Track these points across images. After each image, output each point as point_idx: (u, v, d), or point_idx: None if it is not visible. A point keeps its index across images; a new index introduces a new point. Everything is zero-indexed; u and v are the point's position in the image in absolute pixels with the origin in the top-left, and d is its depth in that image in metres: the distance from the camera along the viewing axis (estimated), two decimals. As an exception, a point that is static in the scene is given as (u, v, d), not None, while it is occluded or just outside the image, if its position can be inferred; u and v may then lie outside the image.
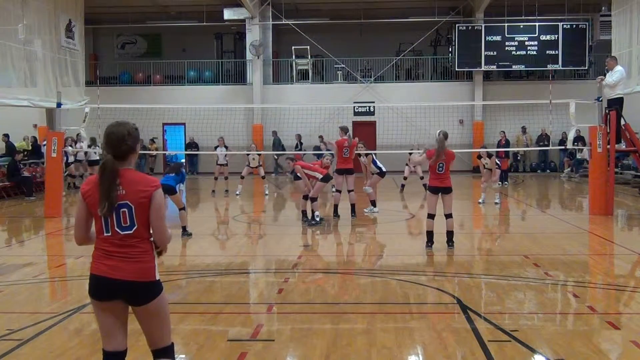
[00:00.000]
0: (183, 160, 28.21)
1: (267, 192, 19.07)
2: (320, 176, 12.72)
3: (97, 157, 23.08)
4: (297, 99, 27.39)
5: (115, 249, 3.75)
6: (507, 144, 25.43)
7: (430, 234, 9.86)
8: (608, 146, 13.99)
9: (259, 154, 19.46)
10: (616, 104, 14.37)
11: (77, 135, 21.05)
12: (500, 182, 17.82)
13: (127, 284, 3.73)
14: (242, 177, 18.95)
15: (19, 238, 12.46)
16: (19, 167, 19.17)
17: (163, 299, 3.86)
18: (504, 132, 25.91)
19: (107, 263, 3.75)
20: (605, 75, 14.96)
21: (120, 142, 3.78)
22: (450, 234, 9.84)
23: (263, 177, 19.14)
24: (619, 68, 14.64)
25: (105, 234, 3.77)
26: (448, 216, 9.78)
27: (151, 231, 3.83)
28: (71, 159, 21.12)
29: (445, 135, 9.79)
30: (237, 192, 18.68)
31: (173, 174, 11.11)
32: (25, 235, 12.60)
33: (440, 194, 9.72)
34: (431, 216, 9.81)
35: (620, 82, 14.47)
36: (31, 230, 13.18)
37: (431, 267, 9.03)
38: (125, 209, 3.73)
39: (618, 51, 18.47)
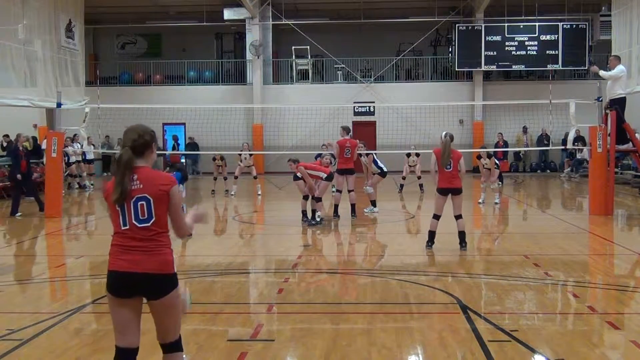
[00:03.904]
0: (183, 161, 28.24)
1: (259, 192, 19.11)
2: (325, 175, 12.71)
3: (93, 157, 23.11)
4: (297, 99, 27.39)
5: (135, 243, 3.81)
6: (505, 145, 25.45)
7: (432, 234, 9.82)
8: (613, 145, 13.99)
9: (251, 154, 19.47)
10: (617, 103, 14.34)
11: (74, 135, 21.04)
12: (499, 183, 17.79)
13: (148, 276, 3.79)
14: (236, 177, 18.96)
15: (19, 238, 12.46)
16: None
17: (178, 292, 3.94)
18: (501, 134, 25.93)
19: (127, 258, 3.81)
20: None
21: (139, 135, 3.91)
22: (462, 235, 9.72)
23: (255, 177, 19.15)
24: (621, 67, 14.61)
25: (123, 228, 3.83)
26: (458, 217, 9.67)
27: (169, 225, 3.93)
28: (72, 159, 21.12)
29: (452, 137, 9.62)
30: (232, 193, 18.72)
31: (174, 173, 11.11)
32: (25, 235, 12.60)
33: (450, 195, 9.61)
34: (436, 217, 9.73)
35: (618, 77, 14.40)
36: (31, 230, 13.18)
37: (431, 267, 9.03)
38: (143, 202, 3.81)
39: (618, 51, 18.47)
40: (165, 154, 25.21)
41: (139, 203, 3.81)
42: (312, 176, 12.67)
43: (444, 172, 9.55)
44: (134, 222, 3.81)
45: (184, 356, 5.22)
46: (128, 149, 3.87)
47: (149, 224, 3.82)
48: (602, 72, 14.53)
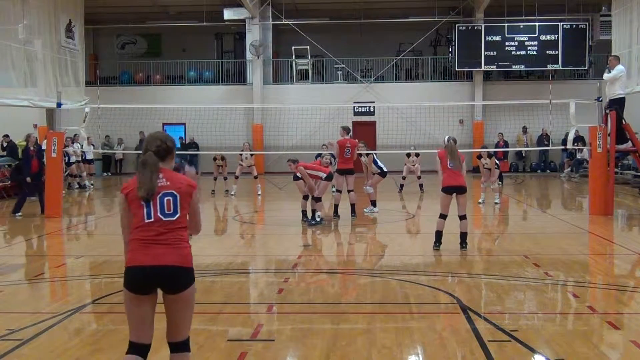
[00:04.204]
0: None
1: (259, 192, 19.14)
2: (324, 175, 12.71)
3: (93, 157, 23.10)
4: (297, 99, 27.39)
5: (158, 236, 3.93)
6: (506, 145, 25.44)
7: (439, 234, 9.80)
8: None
9: (252, 154, 19.48)
10: (617, 103, 14.35)
11: (74, 135, 21.05)
12: (499, 182, 17.81)
13: (170, 269, 3.90)
14: (237, 177, 18.96)
15: (19, 238, 12.46)
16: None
17: (194, 287, 4.05)
18: (502, 134, 25.92)
19: (149, 252, 3.91)
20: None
21: (162, 142, 4.15)
22: (464, 236, 9.74)
23: (256, 177, 19.18)
24: (620, 67, 14.62)
25: (146, 220, 3.95)
26: (462, 217, 9.66)
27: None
28: (73, 159, 21.13)
29: (455, 141, 9.85)
30: (232, 193, 18.72)
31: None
32: (25, 235, 12.60)
33: (455, 195, 9.61)
34: (443, 216, 9.71)
35: (618, 78, 14.43)
36: (31, 230, 13.18)
37: (431, 267, 9.03)
38: (170, 197, 4.00)
39: (618, 51, 18.47)
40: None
41: (166, 198, 3.99)
42: (312, 176, 12.66)
43: (448, 171, 9.61)
44: (159, 215, 3.96)
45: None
46: (152, 153, 4.07)
47: (173, 218, 3.98)
48: (604, 75, 14.59)
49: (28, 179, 14.61)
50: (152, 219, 3.95)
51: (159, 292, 4.00)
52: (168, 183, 4.02)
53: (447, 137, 9.90)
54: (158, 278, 3.90)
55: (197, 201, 4.15)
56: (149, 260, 3.89)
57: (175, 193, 4.00)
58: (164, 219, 3.95)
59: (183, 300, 3.96)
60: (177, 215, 3.99)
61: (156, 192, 3.98)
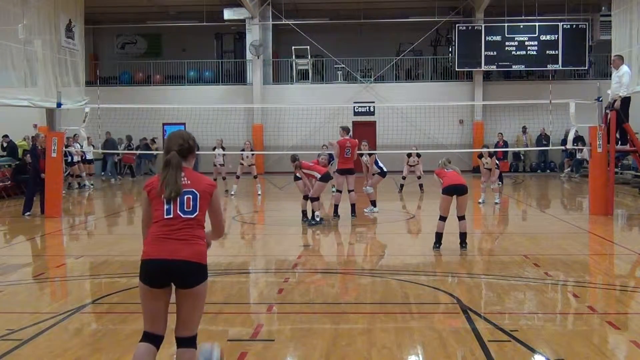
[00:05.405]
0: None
1: (259, 192, 19.13)
2: (319, 175, 12.69)
3: (93, 157, 23.09)
4: (297, 99, 27.39)
5: (175, 232, 4.05)
6: (505, 145, 25.45)
7: (439, 236, 9.83)
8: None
9: (252, 154, 19.48)
10: (621, 103, 14.24)
11: (74, 135, 21.04)
12: (499, 182, 17.81)
13: (184, 264, 4.00)
14: (238, 177, 18.95)
15: (19, 238, 12.45)
16: (28, 169, 19.13)
17: (207, 284, 4.17)
18: (502, 134, 25.95)
19: (165, 247, 4.02)
20: (610, 74, 14.82)
21: (184, 140, 4.23)
22: (463, 236, 9.79)
23: (255, 177, 19.18)
24: (625, 69, 14.48)
25: (166, 217, 4.06)
26: (461, 218, 9.71)
27: (209, 221, 4.28)
28: (76, 158, 21.16)
29: (449, 160, 10.05)
30: (232, 192, 18.71)
31: None
32: (25, 235, 12.60)
33: (455, 197, 9.64)
34: (443, 219, 9.76)
35: (630, 82, 14.37)
36: (31, 230, 13.17)
37: (431, 267, 9.03)
38: (190, 196, 4.12)
39: (618, 51, 18.43)
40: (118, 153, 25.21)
41: (186, 196, 4.10)
42: (308, 175, 12.67)
43: (448, 173, 9.77)
44: (178, 212, 4.08)
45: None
46: (175, 153, 4.15)
47: (192, 216, 4.10)
48: (621, 92, 14.17)
49: (43, 175, 14.63)
50: (172, 216, 4.06)
51: (174, 287, 4.09)
52: (189, 182, 4.13)
53: (440, 161, 10.12)
54: (170, 272, 4.00)
55: (218, 201, 4.27)
56: (163, 254, 4.00)
57: (195, 192, 4.12)
58: (183, 216, 4.07)
59: (194, 296, 4.06)
60: (196, 213, 4.11)
61: None
